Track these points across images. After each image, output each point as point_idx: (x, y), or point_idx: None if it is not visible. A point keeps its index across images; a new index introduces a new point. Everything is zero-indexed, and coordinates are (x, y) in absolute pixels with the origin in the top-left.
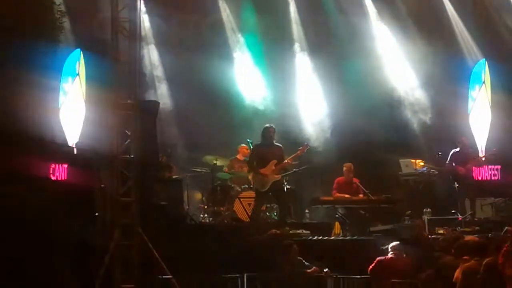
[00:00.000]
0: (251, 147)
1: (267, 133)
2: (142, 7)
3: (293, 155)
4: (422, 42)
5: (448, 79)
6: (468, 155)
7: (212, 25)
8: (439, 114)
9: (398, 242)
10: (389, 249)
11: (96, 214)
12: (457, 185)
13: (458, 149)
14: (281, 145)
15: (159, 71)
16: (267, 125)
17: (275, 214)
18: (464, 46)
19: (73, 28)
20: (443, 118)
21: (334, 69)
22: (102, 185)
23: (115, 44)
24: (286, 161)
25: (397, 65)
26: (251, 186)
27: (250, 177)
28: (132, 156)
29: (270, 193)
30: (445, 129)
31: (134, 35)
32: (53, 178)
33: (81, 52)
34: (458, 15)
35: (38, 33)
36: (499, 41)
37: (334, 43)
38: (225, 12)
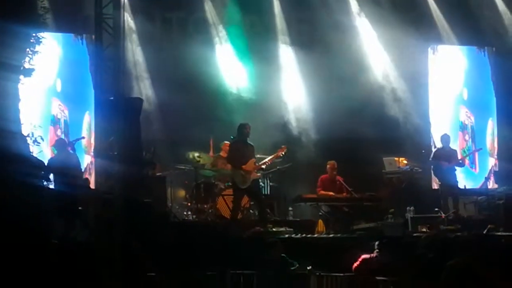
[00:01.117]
0: (230, 143)
1: (244, 130)
2: (126, 4)
3: (271, 156)
4: (405, 37)
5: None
6: (450, 153)
7: (196, 21)
8: (422, 112)
9: (384, 240)
10: (376, 247)
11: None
12: (440, 183)
13: (441, 146)
14: (253, 145)
15: (143, 68)
16: (244, 122)
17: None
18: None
19: (57, 25)
20: (426, 116)
21: (318, 65)
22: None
23: (99, 41)
24: (265, 161)
25: (380, 61)
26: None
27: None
28: (115, 153)
29: (247, 192)
30: (427, 127)
31: (118, 32)
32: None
33: None
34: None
35: (20, 30)
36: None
37: (319, 38)
38: (209, 9)
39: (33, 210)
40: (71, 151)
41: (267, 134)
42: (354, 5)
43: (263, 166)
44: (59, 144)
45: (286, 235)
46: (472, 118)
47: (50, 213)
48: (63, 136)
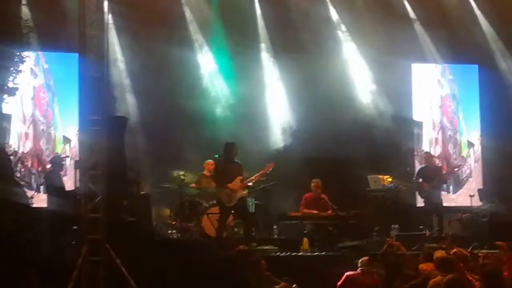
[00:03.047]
0: (216, 162)
1: (231, 150)
2: (110, 22)
3: (259, 173)
4: (388, 55)
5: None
6: (434, 171)
7: (180, 39)
8: (407, 129)
9: (367, 258)
10: (359, 264)
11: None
12: (423, 200)
13: (424, 165)
14: (241, 163)
15: (127, 87)
16: (231, 141)
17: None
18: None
19: (40, 44)
20: (409, 134)
21: (303, 83)
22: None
23: (82, 60)
24: (252, 178)
25: (365, 80)
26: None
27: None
28: (100, 171)
29: (233, 210)
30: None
31: (102, 51)
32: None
33: None
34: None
35: (4, 49)
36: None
37: (303, 57)
38: (193, 27)
39: (13, 228)
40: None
41: (252, 152)
42: (338, 25)
43: (250, 184)
44: (54, 161)
45: (271, 253)
46: (458, 135)
47: (33, 231)
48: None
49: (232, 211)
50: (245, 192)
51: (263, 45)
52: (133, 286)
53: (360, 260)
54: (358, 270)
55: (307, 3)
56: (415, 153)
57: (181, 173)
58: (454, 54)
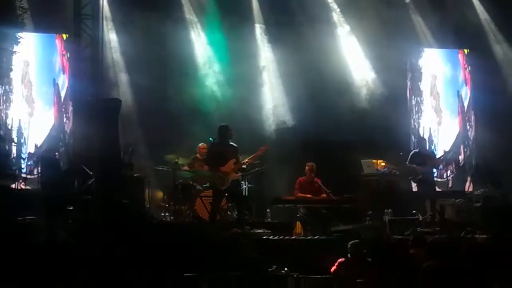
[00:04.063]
0: (209, 145)
1: (225, 132)
2: (105, 4)
3: (253, 155)
4: (385, 43)
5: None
6: (426, 156)
7: (175, 22)
8: (401, 114)
9: (356, 241)
10: (349, 248)
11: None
12: (416, 185)
13: (417, 149)
14: (236, 145)
15: (121, 69)
16: (225, 124)
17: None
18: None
19: (35, 26)
20: (403, 119)
21: (298, 68)
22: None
23: (77, 42)
24: (246, 160)
25: (360, 65)
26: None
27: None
28: (94, 154)
29: (227, 193)
30: (405, 129)
31: (97, 33)
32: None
33: None
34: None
35: None
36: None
37: (299, 42)
38: (188, 9)
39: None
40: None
41: (246, 136)
42: (335, 12)
43: (244, 166)
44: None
45: (264, 237)
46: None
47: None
48: None
49: (226, 194)
50: (238, 174)
51: (258, 28)
52: (127, 268)
53: (350, 244)
54: (349, 256)
55: None
56: (412, 137)
57: (175, 156)
58: (448, 39)
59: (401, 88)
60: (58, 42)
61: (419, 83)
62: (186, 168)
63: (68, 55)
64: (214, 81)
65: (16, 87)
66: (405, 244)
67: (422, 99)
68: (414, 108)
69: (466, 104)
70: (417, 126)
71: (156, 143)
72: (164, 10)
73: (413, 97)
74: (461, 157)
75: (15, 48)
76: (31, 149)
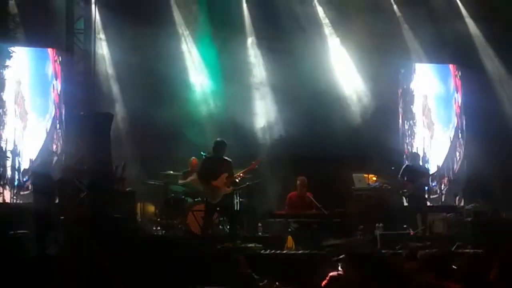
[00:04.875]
0: (203, 159)
1: (220, 147)
2: (97, 19)
3: (245, 169)
4: (376, 56)
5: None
6: (418, 171)
7: (167, 36)
8: (393, 128)
9: (347, 255)
10: (339, 264)
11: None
12: (407, 200)
13: (410, 164)
14: (230, 160)
15: (114, 83)
16: (220, 139)
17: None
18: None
19: (28, 39)
20: (396, 133)
21: (288, 82)
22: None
23: (70, 56)
24: (238, 174)
25: (352, 79)
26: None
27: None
28: (85, 167)
29: (218, 207)
30: (396, 143)
31: (89, 47)
32: None
33: None
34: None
35: None
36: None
37: (290, 56)
38: (179, 21)
39: None
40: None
41: (239, 150)
42: (327, 27)
43: (237, 180)
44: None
45: (255, 251)
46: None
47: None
48: None
49: (218, 208)
50: (230, 189)
51: (250, 42)
52: (118, 282)
53: (341, 258)
54: (340, 269)
55: (294, 2)
56: (405, 152)
57: (167, 170)
58: (439, 54)
59: (393, 102)
60: (50, 52)
61: (412, 106)
62: (187, 181)
63: (60, 60)
64: (206, 95)
65: (9, 108)
66: (398, 258)
67: (414, 121)
68: (407, 131)
69: (457, 115)
70: (409, 143)
71: (148, 157)
72: (156, 24)
73: (405, 121)
74: (452, 171)
75: (7, 62)
76: (26, 164)
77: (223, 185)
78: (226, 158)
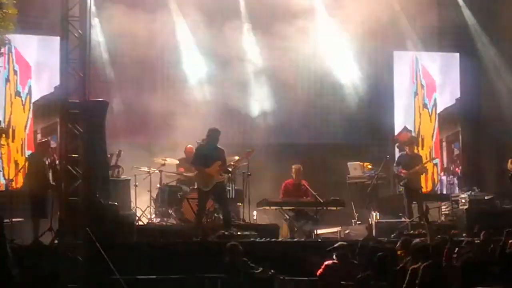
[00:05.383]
0: (197, 146)
1: (214, 135)
2: (92, 6)
3: (238, 159)
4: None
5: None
6: (413, 159)
7: (163, 22)
8: (388, 117)
9: (342, 244)
10: (334, 252)
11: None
12: (403, 188)
13: (405, 152)
14: (223, 149)
15: (108, 71)
16: (214, 127)
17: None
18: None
19: (22, 27)
20: (391, 121)
21: (284, 70)
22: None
23: (65, 43)
24: (231, 163)
25: (347, 67)
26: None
27: (192, 174)
28: (80, 155)
29: (211, 195)
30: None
31: (84, 35)
32: None
33: None
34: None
35: None
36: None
37: (285, 43)
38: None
39: None
40: None
41: (233, 137)
42: (319, 10)
43: (230, 169)
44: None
45: (250, 239)
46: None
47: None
48: None
49: (212, 196)
50: (222, 177)
51: (246, 30)
52: (113, 270)
53: (336, 246)
54: (334, 258)
55: None
56: (396, 139)
57: (162, 158)
58: (435, 42)
59: (389, 90)
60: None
61: (409, 95)
62: (181, 169)
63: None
64: (202, 82)
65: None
66: (392, 246)
67: (412, 110)
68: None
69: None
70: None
71: (143, 144)
72: (152, 11)
73: (401, 110)
74: (448, 160)
75: (2, 49)
76: None
77: (215, 172)
78: (219, 146)
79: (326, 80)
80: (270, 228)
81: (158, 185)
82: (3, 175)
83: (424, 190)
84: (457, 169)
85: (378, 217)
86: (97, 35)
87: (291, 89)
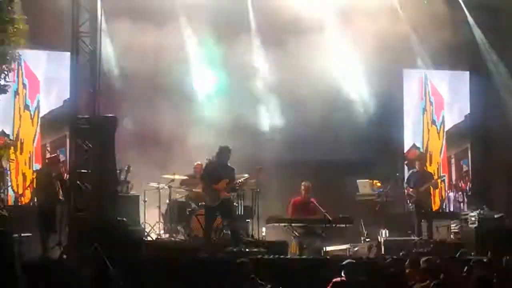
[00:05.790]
0: (206, 163)
1: (224, 153)
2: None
3: (246, 178)
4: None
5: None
6: (424, 177)
7: (173, 37)
8: (397, 134)
9: (350, 261)
10: (343, 270)
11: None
12: (412, 206)
13: (416, 169)
14: (234, 168)
15: (119, 86)
16: (225, 145)
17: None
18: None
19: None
20: (401, 139)
21: (293, 87)
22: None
23: (75, 59)
24: (238, 181)
25: (356, 84)
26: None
27: (200, 190)
28: (89, 170)
29: (218, 211)
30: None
31: (95, 50)
32: None
33: None
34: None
35: None
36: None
37: (293, 60)
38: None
39: None
40: None
41: (242, 154)
42: (330, 27)
43: (237, 187)
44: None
45: (259, 256)
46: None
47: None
48: None
49: (217, 213)
50: (229, 194)
51: (255, 43)
52: (121, 285)
53: (344, 264)
54: (343, 275)
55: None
56: (405, 157)
57: (171, 174)
58: (445, 61)
59: (398, 107)
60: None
61: (418, 112)
62: (198, 189)
63: None
64: (210, 97)
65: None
66: (400, 264)
67: (421, 127)
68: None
69: (463, 121)
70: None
71: (153, 160)
72: (161, 24)
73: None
74: (456, 176)
75: (12, 65)
76: None
77: (223, 189)
78: (229, 165)
79: (336, 96)
80: (279, 245)
81: (167, 201)
82: (12, 187)
83: (433, 207)
84: (464, 185)
85: (387, 235)
86: (107, 50)
87: (301, 106)
